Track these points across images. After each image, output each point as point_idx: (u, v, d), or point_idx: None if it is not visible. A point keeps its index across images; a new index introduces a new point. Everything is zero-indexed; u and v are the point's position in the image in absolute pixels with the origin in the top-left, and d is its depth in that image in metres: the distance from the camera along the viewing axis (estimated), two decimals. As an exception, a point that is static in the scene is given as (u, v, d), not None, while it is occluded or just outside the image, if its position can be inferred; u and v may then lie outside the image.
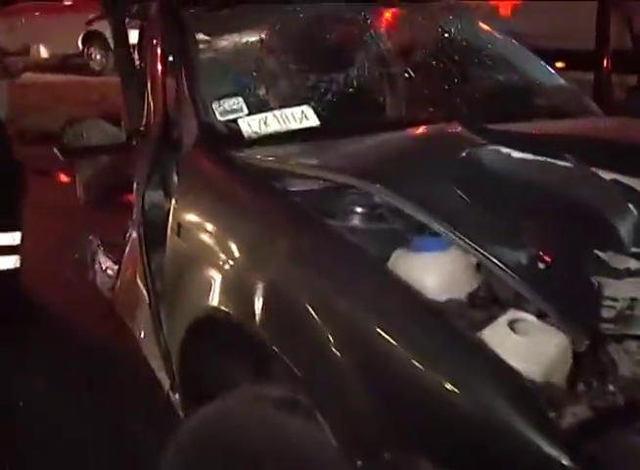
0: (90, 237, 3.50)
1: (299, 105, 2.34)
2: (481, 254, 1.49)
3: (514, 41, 3.03)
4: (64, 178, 4.92)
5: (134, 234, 2.57)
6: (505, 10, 7.98)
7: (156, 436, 2.12)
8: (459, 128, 1.98)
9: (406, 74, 2.57)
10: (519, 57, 2.96)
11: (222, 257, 1.87)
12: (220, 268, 1.85)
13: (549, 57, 2.93)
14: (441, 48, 2.80)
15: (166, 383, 2.31)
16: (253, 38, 2.58)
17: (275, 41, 2.59)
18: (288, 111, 2.31)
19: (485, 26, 3.06)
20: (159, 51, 2.52)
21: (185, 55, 2.45)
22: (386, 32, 2.68)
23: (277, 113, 2.30)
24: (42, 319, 3.57)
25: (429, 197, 1.67)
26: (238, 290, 1.77)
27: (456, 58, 2.78)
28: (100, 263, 3.29)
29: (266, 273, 1.68)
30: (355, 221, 1.81)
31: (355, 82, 2.49)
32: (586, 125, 2.51)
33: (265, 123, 2.26)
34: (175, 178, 2.34)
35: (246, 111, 2.30)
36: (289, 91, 2.42)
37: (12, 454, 2.57)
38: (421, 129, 2.24)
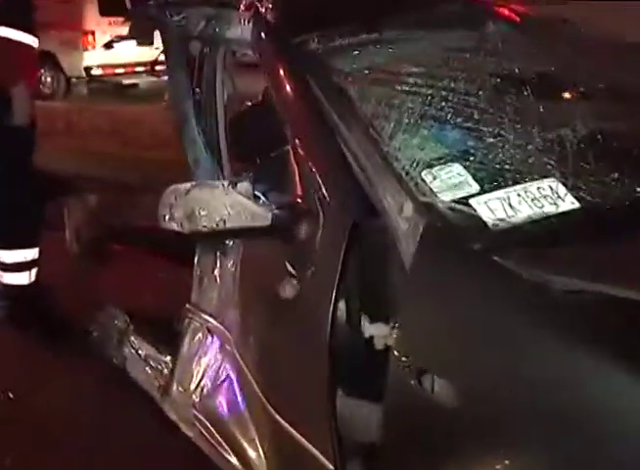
0: (113, 309, 2.82)
1: (539, 177, 1.59)
2: None
3: None
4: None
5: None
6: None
7: None
8: None
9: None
10: None
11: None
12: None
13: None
14: None
15: None
16: (440, 74, 1.82)
17: (473, 76, 1.83)
18: (531, 187, 1.55)
19: None
20: (302, 103, 1.78)
21: (349, 107, 1.72)
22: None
23: (519, 189, 1.54)
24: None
25: None
26: None
27: None
28: (134, 348, 2.63)
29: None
30: None
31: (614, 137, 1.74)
32: None
33: (510, 206, 1.50)
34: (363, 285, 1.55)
35: (475, 186, 1.54)
36: (517, 153, 1.65)
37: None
38: None
